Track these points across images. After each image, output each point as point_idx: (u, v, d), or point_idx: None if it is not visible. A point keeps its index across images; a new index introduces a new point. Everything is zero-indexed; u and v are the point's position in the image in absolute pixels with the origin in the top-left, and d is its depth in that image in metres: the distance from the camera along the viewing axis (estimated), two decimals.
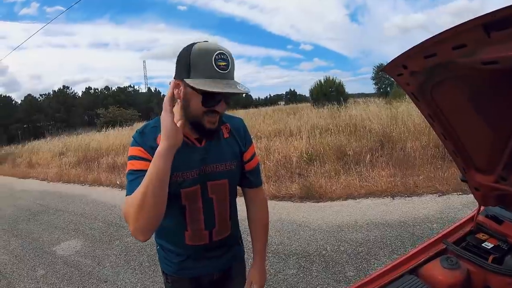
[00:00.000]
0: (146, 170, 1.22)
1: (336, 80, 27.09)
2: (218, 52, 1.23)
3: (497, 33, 0.81)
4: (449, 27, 0.92)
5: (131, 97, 67.44)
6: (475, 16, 0.82)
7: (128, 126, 24.69)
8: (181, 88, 1.28)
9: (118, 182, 8.78)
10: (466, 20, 0.85)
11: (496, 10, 0.78)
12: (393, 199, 5.78)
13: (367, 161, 7.46)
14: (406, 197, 5.76)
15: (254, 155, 1.64)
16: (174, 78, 1.31)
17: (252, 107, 38.63)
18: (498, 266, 1.62)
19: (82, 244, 5.18)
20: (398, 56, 1.24)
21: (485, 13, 0.79)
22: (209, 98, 1.25)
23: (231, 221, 1.64)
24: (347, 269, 3.74)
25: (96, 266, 4.36)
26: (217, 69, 1.22)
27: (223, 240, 1.63)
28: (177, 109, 1.32)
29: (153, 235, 1.58)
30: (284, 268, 3.94)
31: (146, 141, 1.35)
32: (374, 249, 4.12)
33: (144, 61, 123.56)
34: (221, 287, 1.78)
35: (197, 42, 1.28)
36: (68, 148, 15.39)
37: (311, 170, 7.62)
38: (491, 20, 0.80)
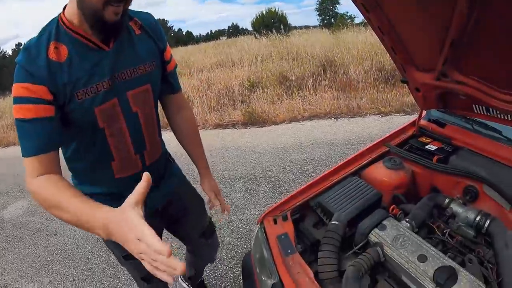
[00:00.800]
0: (42, 118, 1.04)
1: (279, 12, 26.46)
2: None
3: None
4: None
5: None
6: None
7: None
8: None
9: None
10: None
11: None
12: (337, 120, 5.92)
13: (309, 85, 7.51)
14: (349, 118, 5.92)
15: (171, 55, 1.44)
16: None
17: (193, 44, 36.97)
18: (444, 165, 1.68)
19: (29, 203, 4.94)
20: None
21: None
22: None
23: (159, 137, 1.49)
24: (293, 187, 3.86)
25: (45, 222, 4.26)
26: None
27: (156, 163, 1.48)
28: None
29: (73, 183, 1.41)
30: (231, 192, 4.02)
31: (38, 66, 1.05)
32: (320, 167, 4.26)
33: None
34: (180, 218, 1.73)
35: None
36: (3, 111, 13.82)
37: (253, 97, 7.61)
38: None
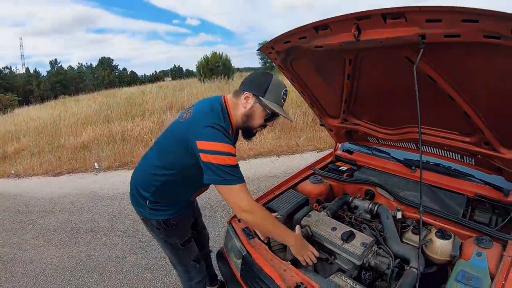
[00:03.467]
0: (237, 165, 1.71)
1: (223, 55, 27.28)
2: (285, 88, 1.83)
3: (322, 31, 1.58)
4: (297, 27, 1.67)
5: (7, 80, 59.73)
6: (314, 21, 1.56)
7: (8, 113, 22.24)
8: (250, 100, 1.80)
9: (12, 171, 8.23)
10: (306, 24, 1.60)
11: (325, 19, 1.53)
12: (278, 157, 6.75)
13: None
14: (289, 154, 6.80)
15: None
16: (243, 89, 1.82)
17: (138, 84, 36.79)
18: (349, 178, 2.50)
19: None
20: (269, 41, 1.99)
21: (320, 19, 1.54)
22: (271, 117, 1.84)
23: None
24: None
25: (17, 252, 4.37)
26: (282, 101, 1.81)
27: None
28: None
29: (147, 201, 2.05)
30: None
31: (230, 137, 1.75)
32: None
33: (20, 38, 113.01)
34: (195, 213, 2.52)
35: (272, 74, 1.83)
36: None
37: None
38: (320, 25, 1.54)
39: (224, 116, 1.78)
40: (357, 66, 1.89)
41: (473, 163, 2.12)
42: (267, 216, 1.78)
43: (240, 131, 1.93)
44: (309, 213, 2.09)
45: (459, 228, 1.88)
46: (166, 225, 2.08)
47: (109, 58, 77.47)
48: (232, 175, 1.66)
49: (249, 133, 1.90)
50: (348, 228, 1.90)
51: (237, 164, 1.70)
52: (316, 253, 1.83)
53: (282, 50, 2.00)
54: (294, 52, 1.98)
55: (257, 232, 2.02)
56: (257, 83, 1.80)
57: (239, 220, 2.17)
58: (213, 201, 5.05)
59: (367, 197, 2.36)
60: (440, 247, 1.73)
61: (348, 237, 1.81)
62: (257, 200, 2.33)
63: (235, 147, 1.78)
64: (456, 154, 2.17)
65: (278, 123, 8.23)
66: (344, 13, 1.46)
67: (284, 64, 2.17)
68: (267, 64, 40.16)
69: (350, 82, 2.02)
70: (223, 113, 1.79)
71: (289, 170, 5.82)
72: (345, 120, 2.44)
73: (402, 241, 1.88)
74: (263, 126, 1.86)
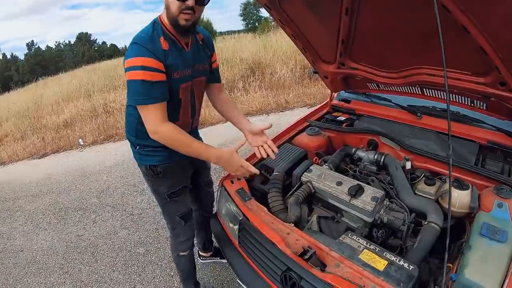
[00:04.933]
0: (161, 81, 1.57)
1: (204, 19, 26.81)
2: None
3: None
4: None
5: None
6: None
7: None
8: None
9: None
10: None
11: None
12: (268, 115, 6.52)
13: (240, 87, 8.11)
14: (279, 112, 6.54)
15: (216, 58, 2.04)
16: None
17: (120, 56, 35.78)
18: (350, 128, 2.27)
19: None
20: None
21: None
22: None
23: (199, 113, 2.07)
24: None
25: (7, 242, 4.15)
26: None
27: (195, 129, 2.11)
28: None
29: (132, 143, 1.97)
30: None
31: (157, 49, 1.57)
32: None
33: None
34: (198, 163, 2.20)
35: None
36: None
37: None
38: None
39: (154, 29, 1.64)
40: None
41: (484, 108, 1.93)
42: (176, 135, 1.67)
43: (177, 32, 1.68)
44: (310, 167, 1.88)
45: (475, 178, 1.72)
46: (153, 172, 1.94)
47: (87, 33, 75.65)
48: (143, 93, 1.57)
49: (177, 26, 1.61)
50: (355, 182, 1.71)
51: (157, 81, 1.58)
52: (251, 168, 1.76)
53: None
54: None
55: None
56: None
57: (232, 181, 1.95)
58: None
59: (370, 148, 2.15)
60: (458, 199, 1.57)
61: (356, 192, 1.62)
62: (249, 158, 2.11)
63: (167, 62, 1.61)
64: (465, 98, 1.96)
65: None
66: None
67: (272, 4, 1.88)
68: (249, 26, 39.20)
69: (349, 18, 1.75)
70: (154, 27, 1.65)
71: (280, 127, 5.54)
72: (342, 64, 2.17)
73: (414, 194, 1.70)
74: (183, 9, 1.56)
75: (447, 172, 1.74)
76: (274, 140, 2.27)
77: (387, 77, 2.03)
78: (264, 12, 41.40)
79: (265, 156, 1.92)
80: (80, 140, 7.36)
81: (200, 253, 2.89)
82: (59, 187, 5.25)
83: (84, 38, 74.02)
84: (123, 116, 7.82)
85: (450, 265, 1.33)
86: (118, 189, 4.65)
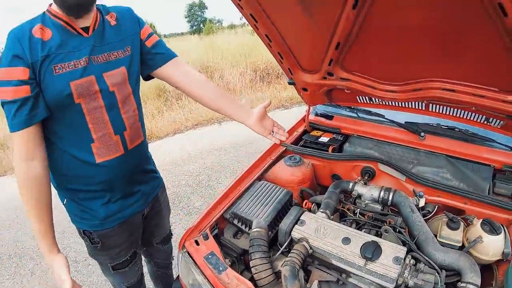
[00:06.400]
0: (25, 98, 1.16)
1: (147, 21, 26.06)
2: None
3: None
4: None
5: None
6: None
7: None
8: None
9: None
10: None
11: None
12: (221, 124, 6.00)
13: None
14: (232, 121, 5.98)
15: (152, 33, 1.50)
16: None
17: None
18: (340, 154, 1.83)
19: None
20: None
21: None
22: None
23: (141, 122, 1.50)
24: (193, 200, 3.79)
25: None
26: None
27: (139, 149, 1.50)
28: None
29: (57, 192, 1.46)
30: None
31: (24, 44, 1.16)
32: (214, 174, 4.26)
33: None
34: (152, 222, 1.73)
35: None
36: None
37: None
38: None
39: (31, 21, 1.23)
40: None
41: (500, 126, 1.60)
42: (26, 187, 1.25)
43: (66, 11, 1.23)
44: (301, 217, 1.41)
45: (499, 212, 1.45)
46: (89, 239, 1.48)
47: None
48: (7, 117, 1.20)
49: (65, 2, 1.19)
50: (369, 237, 1.28)
51: (15, 99, 1.16)
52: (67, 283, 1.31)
53: None
54: None
55: None
56: None
57: (196, 241, 1.43)
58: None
59: (366, 177, 1.73)
60: (491, 246, 1.28)
61: (373, 253, 1.19)
62: (216, 204, 1.61)
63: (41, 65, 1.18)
64: (478, 116, 1.62)
65: None
66: None
67: None
68: (194, 27, 38.68)
69: (356, 14, 1.26)
70: (34, 18, 1.25)
71: (236, 139, 5.14)
72: (329, 74, 1.69)
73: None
74: None
75: (467, 207, 1.49)
76: (243, 177, 1.79)
77: (387, 90, 1.59)
78: (208, 14, 41.25)
79: (284, 140, 1.53)
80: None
81: None
82: None
83: None
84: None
85: None
86: (57, 228, 3.78)
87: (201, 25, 37.09)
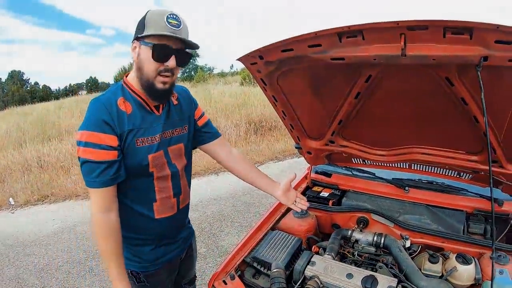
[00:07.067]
0: (110, 161, 1.34)
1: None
2: (170, 13, 1.35)
3: (348, 39, 1.19)
4: (309, 32, 1.29)
5: None
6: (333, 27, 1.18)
7: None
8: (137, 49, 1.38)
9: None
10: (325, 28, 1.21)
11: (357, 24, 1.15)
12: (218, 175, 6.32)
13: None
14: (228, 172, 6.27)
15: (203, 113, 1.81)
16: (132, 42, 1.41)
17: (53, 99, 33.47)
18: (339, 207, 2.20)
19: None
20: (257, 49, 1.56)
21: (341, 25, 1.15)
22: (159, 50, 1.34)
23: (189, 187, 1.78)
24: (198, 246, 3.98)
25: None
26: (169, 25, 1.33)
27: (185, 208, 1.78)
28: None
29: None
30: None
31: (112, 114, 1.36)
32: (216, 222, 4.53)
33: None
34: (185, 265, 1.92)
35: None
36: None
37: None
38: (347, 31, 1.17)
39: (114, 92, 1.44)
40: (373, 84, 1.57)
41: (469, 178, 2.02)
42: (104, 233, 1.42)
43: (151, 96, 1.47)
44: (312, 259, 1.72)
45: (471, 247, 1.78)
46: (136, 279, 1.66)
47: (20, 71, 71.27)
48: (86, 173, 1.37)
49: (152, 89, 1.41)
50: (365, 271, 1.60)
51: (102, 161, 1.35)
52: None
53: (275, 60, 1.59)
54: (290, 64, 1.59)
55: None
56: (136, 29, 1.42)
57: (224, 281, 1.72)
58: None
59: (361, 225, 2.07)
60: (465, 274, 1.60)
61: (371, 284, 1.51)
62: (238, 250, 1.91)
63: (128, 133, 1.41)
64: (451, 171, 2.04)
65: None
66: (387, 20, 1.14)
67: (269, 79, 1.77)
68: (186, 74, 39.47)
69: (357, 101, 1.71)
70: (115, 89, 1.46)
71: (234, 189, 5.47)
72: (331, 142, 2.13)
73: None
74: (161, 71, 1.38)
75: (445, 245, 1.83)
76: (259, 227, 2.11)
77: (378, 154, 2.03)
78: (200, 61, 42.29)
79: (304, 209, 1.87)
80: (10, 199, 6.40)
81: None
82: None
83: (16, 76, 69.18)
84: (58, 173, 7.18)
85: None
86: (61, 268, 4.01)
87: (192, 73, 37.81)
